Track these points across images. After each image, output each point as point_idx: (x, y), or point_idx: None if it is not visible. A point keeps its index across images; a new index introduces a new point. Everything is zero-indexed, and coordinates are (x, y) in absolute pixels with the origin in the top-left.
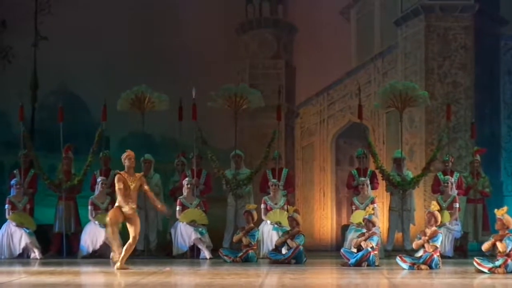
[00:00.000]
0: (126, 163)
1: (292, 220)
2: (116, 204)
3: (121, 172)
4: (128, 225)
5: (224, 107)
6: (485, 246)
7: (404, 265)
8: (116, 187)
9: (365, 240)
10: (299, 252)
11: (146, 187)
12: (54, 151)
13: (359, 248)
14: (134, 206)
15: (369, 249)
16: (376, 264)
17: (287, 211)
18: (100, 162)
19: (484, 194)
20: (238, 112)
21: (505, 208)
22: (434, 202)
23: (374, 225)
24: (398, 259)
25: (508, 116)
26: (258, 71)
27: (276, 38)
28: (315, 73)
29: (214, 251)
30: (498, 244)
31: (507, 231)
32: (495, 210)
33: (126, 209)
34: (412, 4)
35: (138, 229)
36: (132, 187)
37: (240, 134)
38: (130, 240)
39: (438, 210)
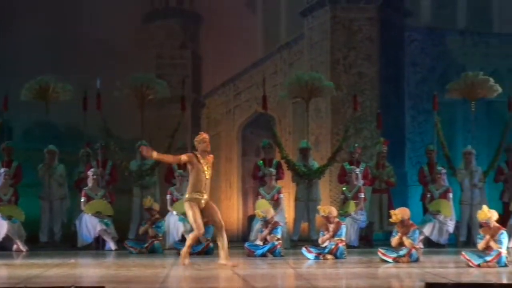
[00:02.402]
0: (200, 146)
1: None
2: (187, 196)
3: (195, 153)
4: (206, 214)
5: (130, 97)
6: (394, 242)
7: (310, 256)
8: (182, 158)
9: (269, 233)
10: (209, 248)
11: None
12: None
13: (265, 241)
14: (206, 197)
15: (275, 243)
16: (282, 254)
17: None
18: (2, 153)
19: (389, 184)
20: (144, 102)
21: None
22: (320, 207)
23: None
24: (303, 250)
25: (412, 106)
26: (164, 61)
27: (183, 28)
28: (222, 63)
29: (120, 242)
30: (405, 240)
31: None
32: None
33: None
34: None
35: (219, 214)
36: (207, 174)
37: (146, 124)
38: (218, 227)
39: (327, 211)
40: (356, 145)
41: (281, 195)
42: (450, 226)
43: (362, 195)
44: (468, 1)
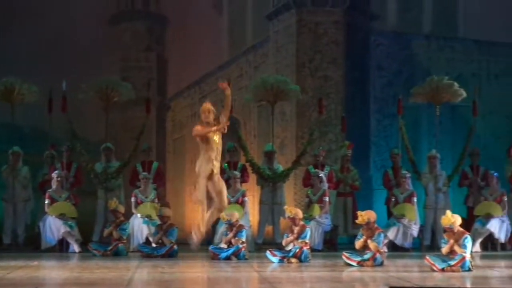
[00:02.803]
0: (202, 117)
1: (162, 217)
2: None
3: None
4: (210, 190)
5: (95, 100)
6: (358, 245)
7: (274, 259)
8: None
9: (233, 236)
10: (173, 251)
11: (221, 116)
12: None
13: (229, 245)
14: (218, 164)
15: (240, 246)
16: (246, 257)
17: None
18: None
19: (354, 188)
20: (109, 105)
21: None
22: (286, 208)
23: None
24: (268, 253)
25: (378, 110)
26: (130, 63)
27: (148, 30)
28: (187, 66)
29: (84, 245)
30: (370, 243)
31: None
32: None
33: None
34: None
35: (224, 196)
36: (216, 139)
37: (112, 126)
38: (212, 209)
39: (294, 212)
40: (321, 148)
41: (246, 198)
42: (415, 230)
43: (327, 199)
44: (434, 5)
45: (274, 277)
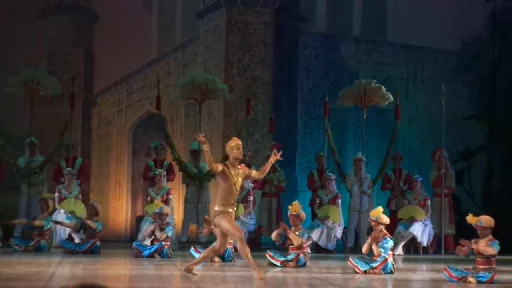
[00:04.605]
0: (234, 153)
1: (92, 208)
2: (220, 208)
3: (226, 163)
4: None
5: (20, 93)
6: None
7: (198, 256)
8: (219, 168)
9: (160, 231)
10: (95, 247)
11: (254, 173)
12: None
13: (152, 242)
14: (234, 209)
15: (163, 243)
16: (169, 255)
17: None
18: None
19: (279, 189)
20: (35, 99)
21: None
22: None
23: (166, 216)
24: (192, 250)
25: (305, 112)
26: (57, 58)
27: (76, 25)
28: (115, 62)
29: (5, 240)
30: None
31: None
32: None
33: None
34: None
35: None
36: (237, 185)
37: (37, 121)
38: (216, 246)
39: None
40: (247, 148)
41: (171, 196)
42: (338, 232)
43: (251, 198)
44: (363, 9)
45: (196, 276)
